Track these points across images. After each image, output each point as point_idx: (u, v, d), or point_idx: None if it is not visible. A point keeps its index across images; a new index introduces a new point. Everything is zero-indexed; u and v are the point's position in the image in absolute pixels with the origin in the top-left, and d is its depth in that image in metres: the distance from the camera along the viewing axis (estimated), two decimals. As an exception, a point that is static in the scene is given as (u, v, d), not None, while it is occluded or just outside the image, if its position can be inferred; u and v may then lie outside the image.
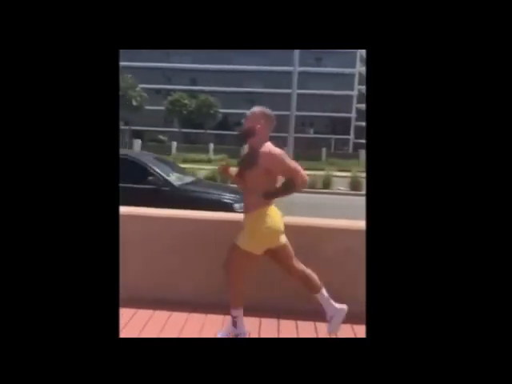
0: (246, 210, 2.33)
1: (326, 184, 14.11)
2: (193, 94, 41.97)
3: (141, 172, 5.40)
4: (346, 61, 46.34)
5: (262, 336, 2.54)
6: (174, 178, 5.61)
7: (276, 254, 2.39)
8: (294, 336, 2.55)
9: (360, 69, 47.66)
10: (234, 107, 44.40)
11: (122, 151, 5.97)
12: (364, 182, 12.82)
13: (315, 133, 48.49)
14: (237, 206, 5.00)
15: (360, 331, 2.60)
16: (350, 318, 2.48)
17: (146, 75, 44.95)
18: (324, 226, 2.90)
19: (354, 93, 49.11)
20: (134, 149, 24.89)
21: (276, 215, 2.31)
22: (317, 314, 2.46)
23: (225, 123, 45.78)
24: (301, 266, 2.43)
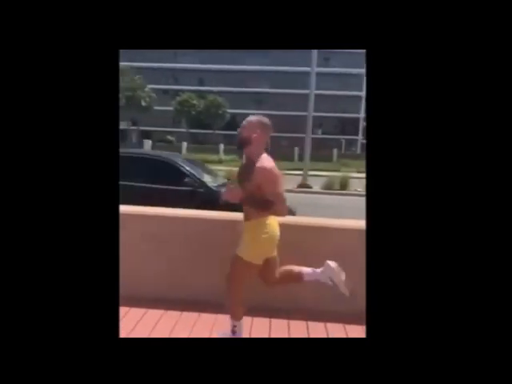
0: (245, 218, 2.31)
1: (344, 185, 14.08)
2: (201, 95, 42.08)
3: (175, 173, 5.28)
4: (354, 61, 46.13)
5: (253, 336, 2.55)
6: (208, 180, 5.51)
7: (266, 264, 2.35)
8: (286, 336, 2.55)
9: (368, 69, 47.27)
10: (242, 107, 44.41)
11: (153, 152, 5.91)
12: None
13: (323, 133, 48.36)
14: None
15: (357, 331, 2.61)
16: (350, 318, 2.47)
17: (153, 75, 45.13)
18: (323, 225, 2.91)
19: (363, 93, 48.87)
20: (145, 149, 24.94)
21: (274, 224, 2.28)
22: (310, 313, 2.45)
23: (233, 123, 45.84)
24: (278, 273, 2.42)
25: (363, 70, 48.36)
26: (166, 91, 47.07)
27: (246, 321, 2.65)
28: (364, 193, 13.62)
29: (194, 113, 40.48)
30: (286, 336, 2.54)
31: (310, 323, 2.68)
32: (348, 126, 49.56)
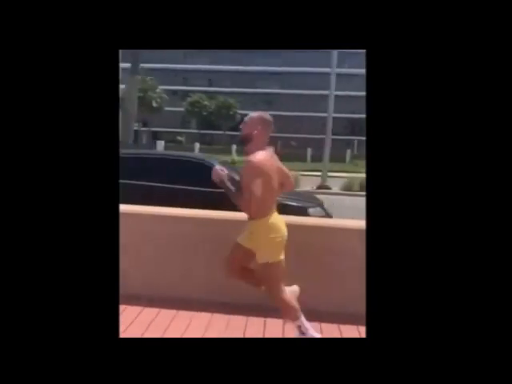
0: (249, 217, 2.30)
1: (363, 186, 13.88)
2: (211, 95, 42.16)
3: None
4: (362, 62, 45.81)
5: (247, 336, 2.54)
6: None
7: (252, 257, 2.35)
8: (280, 335, 2.54)
9: (379, 70, 46.97)
10: (251, 108, 44.22)
11: (198, 155, 5.91)
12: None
13: (334, 134, 48.03)
14: (311, 210, 4.90)
15: (352, 331, 2.60)
16: (350, 318, 2.46)
17: (163, 76, 45.31)
18: (321, 225, 2.92)
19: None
20: (158, 150, 24.96)
21: (282, 221, 2.30)
22: (305, 313, 2.43)
23: (242, 124, 45.79)
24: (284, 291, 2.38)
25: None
26: (175, 92, 47.16)
27: (241, 321, 2.68)
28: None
29: (205, 113, 40.60)
30: (281, 336, 2.54)
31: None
32: (357, 127, 49.25)
